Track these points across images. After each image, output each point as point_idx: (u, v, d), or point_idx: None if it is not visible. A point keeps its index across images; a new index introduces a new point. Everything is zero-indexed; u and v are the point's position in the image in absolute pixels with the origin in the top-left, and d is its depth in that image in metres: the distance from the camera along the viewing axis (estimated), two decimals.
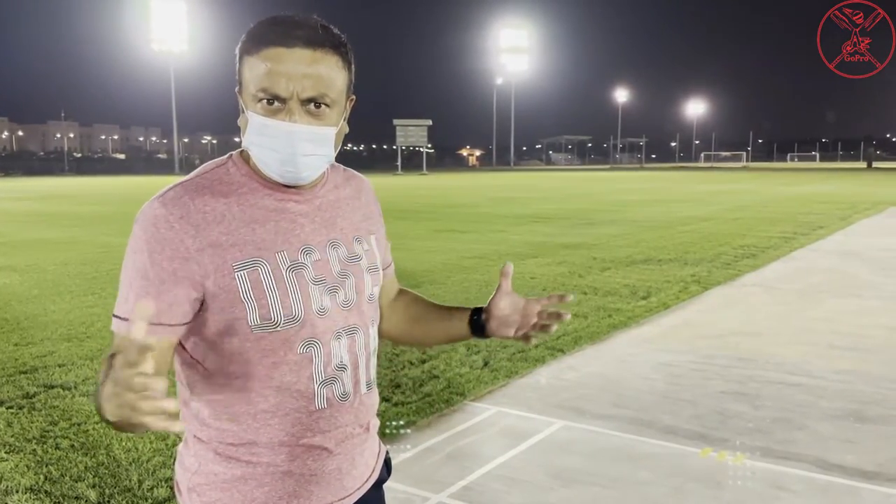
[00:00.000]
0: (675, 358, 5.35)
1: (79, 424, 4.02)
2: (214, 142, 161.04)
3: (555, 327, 1.37)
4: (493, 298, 1.39)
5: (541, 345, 5.64)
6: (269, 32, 1.16)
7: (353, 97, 1.27)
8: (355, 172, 1.43)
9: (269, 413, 1.22)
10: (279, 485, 1.24)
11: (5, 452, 3.65)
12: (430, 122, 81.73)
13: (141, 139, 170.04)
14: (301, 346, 1.21)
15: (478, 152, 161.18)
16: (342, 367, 1.27)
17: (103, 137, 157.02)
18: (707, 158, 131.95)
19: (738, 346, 5.66)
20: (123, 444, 3.74)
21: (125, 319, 1.18)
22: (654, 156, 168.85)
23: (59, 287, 8.36)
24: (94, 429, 3.95)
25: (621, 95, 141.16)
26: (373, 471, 1.38)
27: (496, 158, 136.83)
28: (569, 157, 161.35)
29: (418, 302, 1.52)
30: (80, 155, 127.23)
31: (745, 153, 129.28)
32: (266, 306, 1.17)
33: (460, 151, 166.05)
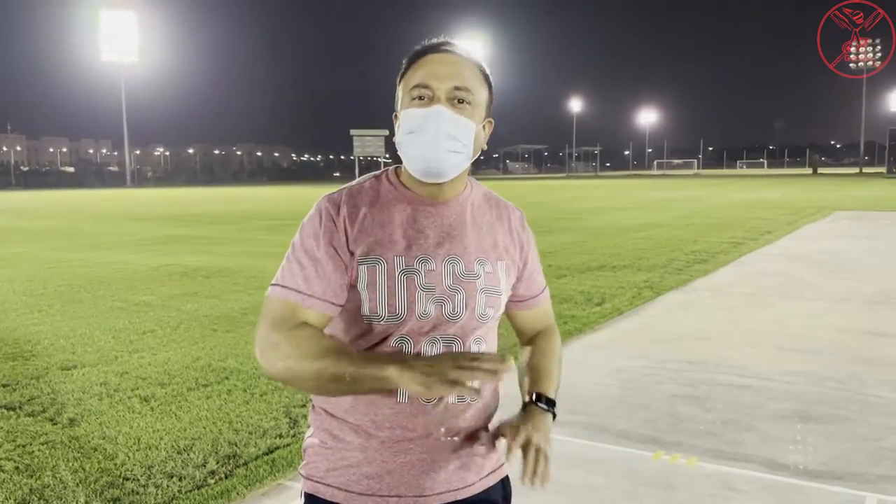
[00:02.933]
0: (628, 363, 5.42)
1: (23, 446, 3.90)
2: (167, 154, 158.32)
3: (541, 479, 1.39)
4: (507, 427, 1.40)
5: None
6: (422, 49, 1.37)
7: (492, 120, 1.43)
8: (508, 203, 1.53)
9: (361, 398, 1.33)
10: (358, 465, 1.34)
11: None
12: (386, 132, 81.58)
13: (91, 151, 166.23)
14: (395, 341, 1.32)
15: None
16: None
17: (52, 150, 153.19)
18: (660, 166, 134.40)
19: (689, 350, 5.77)
20: (70, 464, 3.64)
21: (290, 289, 1.33)
22: (608, 164, 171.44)
23: (5, 304, 8.11)
24: (39, 450, 3.83)
25: (576, 105, 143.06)
26: (469, 485, 1.40)
27: None
28: (525, 165, 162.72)
29: (537, 353, 1.58)
30: (27, 168, 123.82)
31: (696, 161, 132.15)
32: (375, 300, 1.31)
33: None
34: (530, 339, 1.61)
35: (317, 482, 1.38)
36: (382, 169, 1.44)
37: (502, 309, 1.46)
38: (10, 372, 5.33)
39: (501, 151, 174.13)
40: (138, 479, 3.46)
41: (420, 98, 1.33)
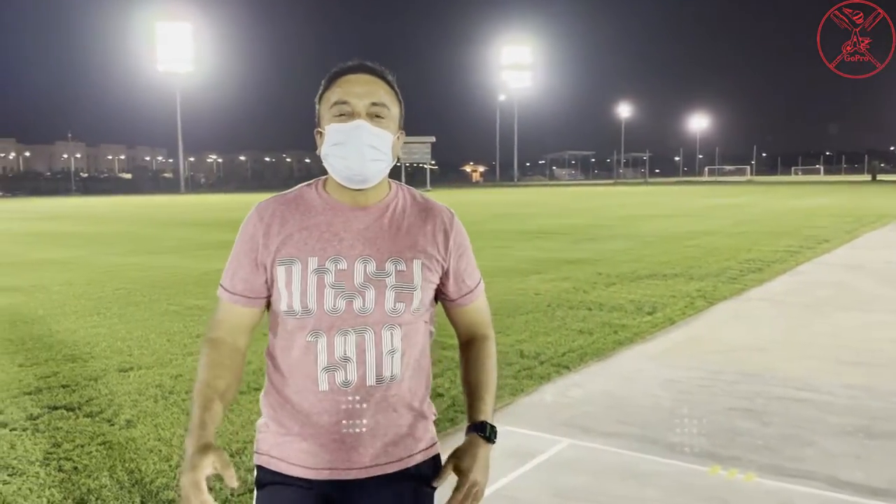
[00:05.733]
0: (681, 374, 5.31)
1: (82, 446, 4.00)
2: (220, 161, 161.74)
3: None
4: (470, 445, 1.54)
5: (546, 361, 5.61)
6: (339, 70, 1.52)
7: (403, 132, 1.58)
8: (439, 204, 1.63)
9: (290, 383, 1.52)
10: (297, 441, 1.51)
11: (8, 475, 3.63)
12: (433, 139, 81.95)
13: (147, 159, 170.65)
14: (309, 335, 1.48)
15: (481, 168, 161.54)
16: (346, 360, 1.49)
17: (110, 157, 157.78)
18: (711, 172, 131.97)
19: (745, 362, 5.62)
20: (127, 465, 3.72)
21: (222, 286, 1.58)
22: (657, 170, 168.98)
23: (64, 307, 8.36)
24: (97, 450, 3.93)
25: (624, 110, 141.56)
26: (398, 460, 1.54)
27: (499, 174, 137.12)
28: (572, 172, 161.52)
29: (470, 367, 1.67)
30: (86, 175, 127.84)
31: (748, 167, 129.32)
32: (290, 297, 1.48)
33: (463, 168, 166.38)
34: (466, 342, 1.72)
35: (263, 454, 1.57)
36: (315, 179, 1.60)
37: (418, 304, 1.54)
38: (70, 373, 5.48)
39: (548, 158, 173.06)
40: None
41: (341, 114, 1.48)
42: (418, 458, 1.57)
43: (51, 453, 3.90)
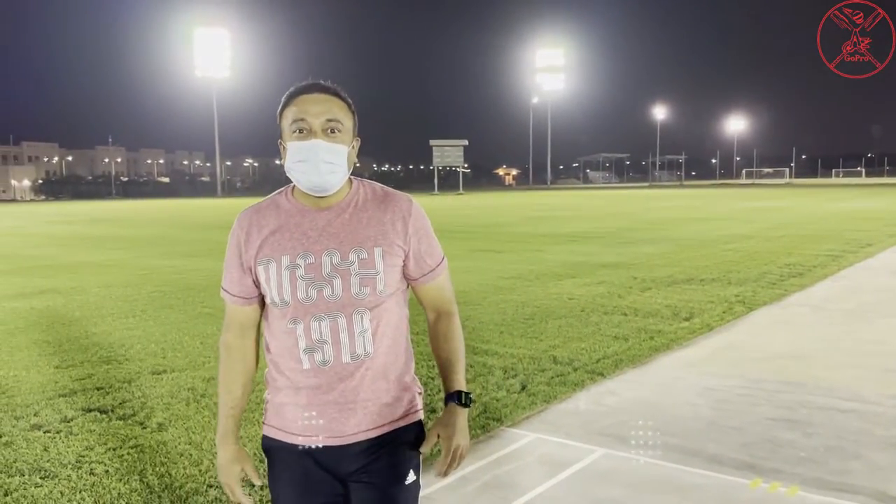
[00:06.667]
0: (720, 382, 5.16)
1: (114, 449, 4.01)
2: (256, 164, 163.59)
3: (449, 470, 1.73)
4: (448, 413, 1.76)
5: (580, 368, 5.51)
6: (295, 90, 1.71)
7: (359, 139, 1.78)
8: (398, 193, 1.80)
9: (280, 363, 1.74)
10: (291, 412, 1.74)
11: (40, 478, 3.65)
12: (466, 143, 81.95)
13: (185, 163, 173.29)
14: (289, 322, 1.70)
15: (514, 171, 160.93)
16: (323, 342, 1.69)
17: (149, 161, 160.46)
18: (748, 175, 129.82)
19: (786, 370, 5.45)
20: (157, 469, 3.71)
21: (224, 289, 1.82)
22: (693, 173, 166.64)
23: (101, 309, 8.47)
24: (128, 454, 3.93)
25: (660, 112, 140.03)
26: (380, 425, 1.74)
27: (533, 177, 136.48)
28: (607, 175, 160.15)
29: (440, 340, 1.86)
30: (126, 179, 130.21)
31: (787, 169, 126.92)
32: (271, 291, 1.71)
33: (497, 171, 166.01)
34: (432, 319, 1.88)
35: (266, 425, 1.81)
36: (285, 186, 1.80)
37: (384, 287, 1.72)
38: (105, 375, 5.53)
39: (581, 160, 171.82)
40: (221, 488, 3.48)
41: (300, 131, 1.67)
42: (399, 424, 1.77)
43: (83, 456, 3.92)
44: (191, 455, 3.90)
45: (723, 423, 4.36)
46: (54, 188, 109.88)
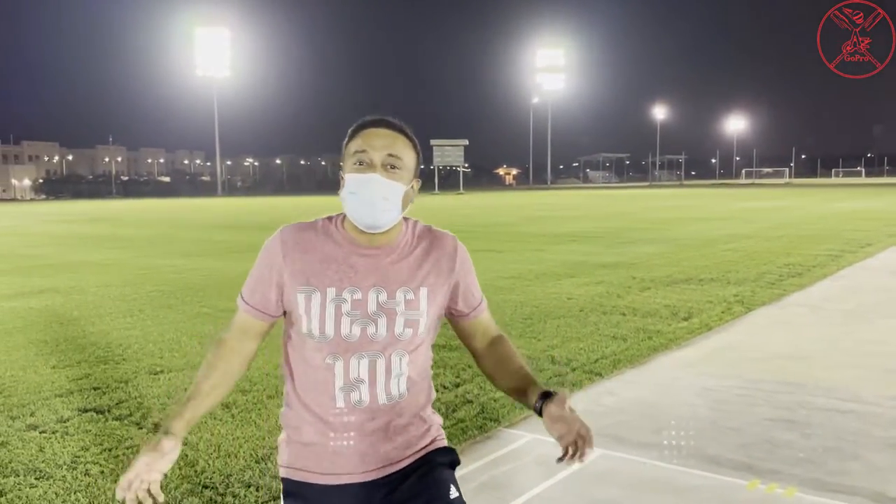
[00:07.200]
0: (718, 383, 5.15)
1: (109, 450, 3.99)
2: (256, 164, 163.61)
3: (586, 457, 1.64)
4: (550, 406, 1.66)
5: (577, 368, 5.50)
6: (362, 123, 1.69)
7: (419, 179, 1.75)
8: (443, 233, 1.79)
9: (311, 399, 1.69)
10: (316, 453, 1.68)
11: (35, 479, 3.63)
12: (466, 142, 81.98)
13: (186, 162, 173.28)
14: (328, 357, 1.65)
15: (514, 171, 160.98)
16: (360, 381, 1.66)
17: (149, 161, 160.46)
18: (748, 175, 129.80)
19: (785, 370, 5.43)
20: None
21: (241, 295, 1.78)
22: (693, 172, 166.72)
23: (100, 309, 8.46)
24: (123, 454, 3.92)
25: (660, 112, 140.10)
26: (405, 458, 1.71)
27: (533, 177, 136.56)
28: (606, 174, 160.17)
29: (505, 359, 1.84)
30: (126, 178, 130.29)
31: (787, 169, 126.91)
32: (310, 322, 1.65)
33: (497, 170, 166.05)
34: (485, 346, 1.87)
35: (287, 467, 1.73)
36: (336, 214, 1.75)
37: (425, 329, 1.72)
38: (101, 375, 5.51)
39: (581, 160, 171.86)
40: (216, 488, 3.47)
41: (360, 163, 1.64)
42: (430, 449, 1.74)
43: (78, 457, 3.90)
44: (186, 456, 3.88)
45: (721, 423, 4.34)
46: (54, 187, 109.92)
